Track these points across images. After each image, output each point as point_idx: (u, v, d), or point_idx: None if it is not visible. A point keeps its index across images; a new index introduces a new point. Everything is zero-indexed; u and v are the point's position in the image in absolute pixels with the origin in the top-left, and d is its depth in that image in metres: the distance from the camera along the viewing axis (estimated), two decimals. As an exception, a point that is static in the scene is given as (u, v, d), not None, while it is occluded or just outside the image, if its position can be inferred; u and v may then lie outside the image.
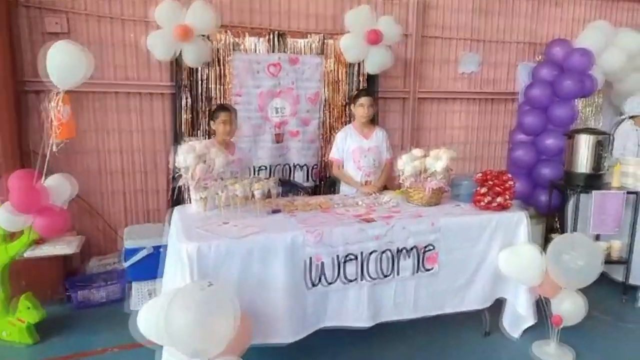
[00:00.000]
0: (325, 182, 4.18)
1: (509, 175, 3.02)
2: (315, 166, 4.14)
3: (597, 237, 3.88)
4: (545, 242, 3.76)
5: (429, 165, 3.02)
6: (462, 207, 3.06)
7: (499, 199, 2.95)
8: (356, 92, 3.55)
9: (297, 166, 4.12)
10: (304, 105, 4.08)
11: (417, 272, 2.67)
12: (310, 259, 2.38)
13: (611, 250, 3.69)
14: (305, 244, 2.36)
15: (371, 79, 4.30)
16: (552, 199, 4.22)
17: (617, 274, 3.81)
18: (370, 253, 2.53)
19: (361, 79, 4.24)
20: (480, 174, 3.06)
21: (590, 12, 5.38)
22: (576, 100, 5.32)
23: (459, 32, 4.88)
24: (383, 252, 2.56)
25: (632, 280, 3.69)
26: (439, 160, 3.01)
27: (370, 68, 4.13)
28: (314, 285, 2.41)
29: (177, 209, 2.78)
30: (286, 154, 4.09)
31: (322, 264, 2.41)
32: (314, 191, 4.18)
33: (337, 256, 2.44)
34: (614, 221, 3.58)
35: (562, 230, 3.94)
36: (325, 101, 4.18)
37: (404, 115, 4.80)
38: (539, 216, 4.71)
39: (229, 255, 2.20)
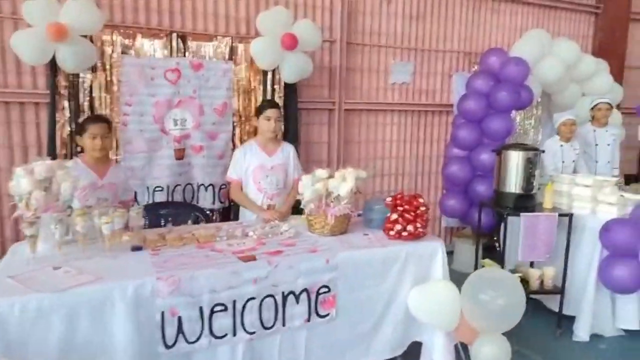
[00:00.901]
0: (235, 204, 3.69)
1: (421, 200, 2.63)
2: (223, 186, 3.65)
3: (532, 264, 3.56)
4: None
5: (333, 188, 2.59)
6: (371, 236, 2.64)
7: (409, 227, 2.55)
8: (261, 103, 3.09)
9: (202, 186, 3.61)
10: (209, 117, 3.60)
11: (310, 320, 2.22)
12: (163, 313, 1.89)
13: (544, 279, 3.37)
14: (155, 295, 1.87)
15: (289, 88, 3.86)
16: (484, 220, 3.92)
17: (552, 303, 3.50)
18: (247, 301, 2.06)
19: (277, 87, 3.80)
20: (390, 198, 2.66)
21: (527, 20, 5.17)
22: (514, 112, 5.09)
23: (389, 39, 4.54)
24: (264, 298, 2.10)
25: (568, 311, 3.38)
26: (343, 182, 2.59)
27: (286, 76, 3.70)
28: (170, 346, 1.92)
29: (12, 248, 2.24)
30: (189, 172, 3.59)
31: (180, 318, 1.92)
32: (223, 215, 3.70)
33: (201, 308, 1.96)
34: (545, 246, 3.26)
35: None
36: (235, 112, 3.72)
37: (330, 128, 4.40)
38: (475, 236, 4.39)
39: (42, 317, 1.67)
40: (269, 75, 3.75)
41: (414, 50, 4.67)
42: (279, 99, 3.77)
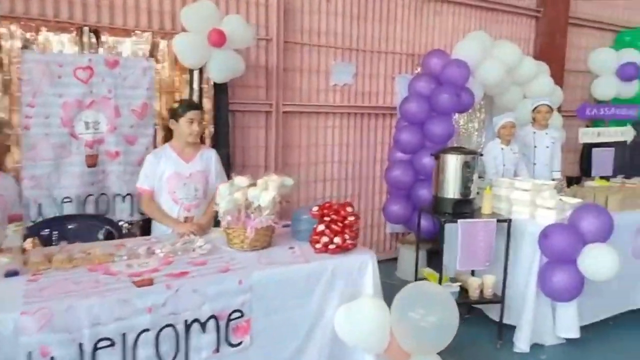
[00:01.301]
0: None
1: (350, 209, 2.43)
2: (144, 195, 3.32)
3: (473, 272, 3.45)
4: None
5: (253, 197, 2.35)
6: (297, 250, 2.41)
7: (337, 239, 2.34)
8: (180, 105, 2.78)
9: (119, 196, 3.28)
10: (126, 119, 3.27)
11: (219, 350, 1.96)
12: (31, 354, 1.58)
13: (484, 288, 3.25)
14: (20, 332, 1.56)
15: (219, 88, 3.59)
16: (426, 226, 3.79)
17: (494, 313, 3.39)
18: (141, 333, 1.78)
19: (206, 87, 3.52)
20: (317, 207, 2.44)
21: (470, 23, 5.12)
22: (457, 115, 5.02)
23: (329, 39, 4.35)
24: (162, 329, 1.82)
25: (509, 320, 3.26)
26: (265, 192, 2.35)
27: (215, 75, 3.42)
28: (40, 390, 1.61)
29: None
30: (102, 180, 3.24)
31: (52, 359, 1.62)
32: (144, 228, 3.37)
33: (81, 345, 1.66)
34: (484, 254, 3.14)
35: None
36: (157, 114, 3.41)
37: (268, 132, 4.15)
38: (420, 242, 4.25)
39: None
40: (196, 75, 3.47)
41: (356, 51, 4.50)
42: (207, 100, 3.50)
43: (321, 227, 2.38)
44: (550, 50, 5.37)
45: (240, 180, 2.42)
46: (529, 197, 3.29)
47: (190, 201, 2.71)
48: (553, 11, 5.36)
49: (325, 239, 2.35)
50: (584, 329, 3.27)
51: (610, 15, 6.16)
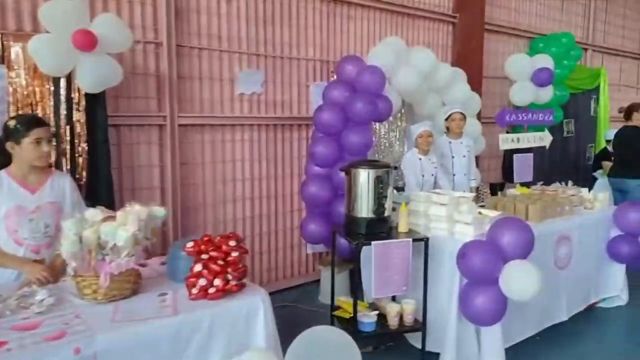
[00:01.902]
0: None
1: (234, 243, 2.01)
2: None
3: (394, 297, 3.13)
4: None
5: (107, 235, 1.87)
6: (169, 297, 1.96)
7: (217, 282, 1.91)
8: (20, 121, 2.18)
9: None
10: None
11: None
12: None
13: (403, 314, 2.94)
14: None
15: (94, 99, 3.06)
16: (344, 246, 3.45)
17: (417, 340, 3.08)
18: None
19: (75, 97, 2.98)
20: (192, 243, 2.00)
21: (385, 28, 4.91)
22: (378, 124, 4.77)
23: (232, 44, 3.93)
24: None
25: (432, 347, 2.98)
26: (121, 228, 1.88)
27: (85, 84, 2.89)
28: None
29: None
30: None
31: None
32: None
33: None
34: (401, 278, 2.83)
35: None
36: (14, 133, 2.82)
37: (162, 148, 3.64)
38: (342, 262, 3.92)
39: None
40: (62, 83, 2.92)
41: (264, 57, 4.11)
42: (78, 113, 2.96)
43: (198, 267, 1.95)
44: (468, 57, 5.28)
45: (93, 213, 1.94)
46: (445, 212, 3.04)
47: (39, 241, 2.17)
48: (468, 17, 5.29)
49: (202, 282, 1.92)
50: (511, 349, 3.06)
51: (524, 23, 6.24)
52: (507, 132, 5.55)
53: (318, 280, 4.36)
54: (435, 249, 3.01)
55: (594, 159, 6.41)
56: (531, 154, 5.10)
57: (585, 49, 7.03)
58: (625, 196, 5.01)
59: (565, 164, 6.67)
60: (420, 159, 4.02)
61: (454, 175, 4.27)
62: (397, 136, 5.00)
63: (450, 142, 4.25)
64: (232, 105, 3.99)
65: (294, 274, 4.56)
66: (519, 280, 2.65)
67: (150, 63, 3.51)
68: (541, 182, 4.40)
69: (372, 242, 2.75)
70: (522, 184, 4.93)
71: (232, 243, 2.01)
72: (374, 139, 4.79)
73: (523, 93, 4.94)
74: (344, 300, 3.12)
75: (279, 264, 4.45)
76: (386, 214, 2.96)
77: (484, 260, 2.68)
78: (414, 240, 2.87)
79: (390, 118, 4.85)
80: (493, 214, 3.09)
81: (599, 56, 7.41)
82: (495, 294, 2.73)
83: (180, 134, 3.67)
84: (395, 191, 4.52)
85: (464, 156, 4.26)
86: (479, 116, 5.15)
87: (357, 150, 3.90)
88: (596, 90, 6.92)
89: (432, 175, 4.07)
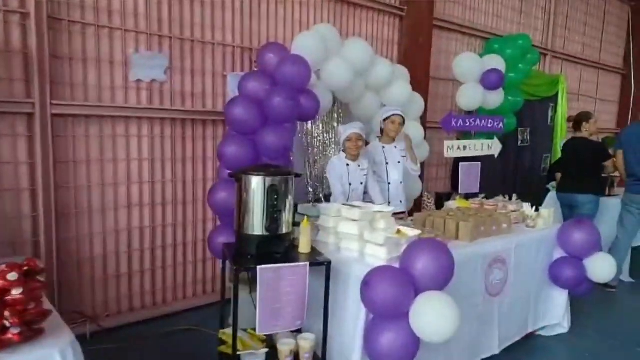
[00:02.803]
0: None
1: (14, 277, 1.43)
2: None
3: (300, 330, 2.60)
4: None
5: None
6: None
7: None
8: None
9: None
10: None
11: None
12: None
13: (299, 351, 2.41)
14: None
15: None
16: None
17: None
18: None
19: None
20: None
21: (321, 15, 4.39)
22: (311, 124, 4.25)
23: (127, 20, 3.33)
24: None
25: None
26: None
27: None
28: None
29: None
30: None
31: None
32: None
33: None
34: (295, 310, 2.30)
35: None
36: None
37: (31, 143, 3.02)
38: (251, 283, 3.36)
39: None
40: None
41: (169, 39, 3.53)
42: None
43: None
44: (416, 55, 4.82)
45: None
46: (357, 230, 2.53)
47: None
48: (417, 10, 4.82)
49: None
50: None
51: (480, 22, 5.84)
52: (458, 139, 5.14)
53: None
54: (343, 275, 2.51)
55: (548, 170, 6.06)
56: (479, 164, 4.67)
57: (545, 54, 6.70)
58: (574, 212, 4.65)
59: (519, 174, 6.31)
60: (347, 164, 3.52)
61: (388, 184, 3.78)
62: (333, 139, 4.48)
63: (383, 147, 3.76)
64: (127, 94, 3.39)
65: (206, 291, 3.99)
66: (429, 317, 2.16)
67: (13, 37, 2.88)
68: (483, 195, 3.96)
69: (258, 267, 2.21)
70: (468, 196, 4.50)
71: (11, 277, 1.43)
72: (305, 140, 4.29)
73: (470, 96, 4.51)
74: (227, 334, 2.57)
75: (187, 280, 3.86)
76: (284, 230, 2.43)
77: (390, 290, 2.17)
78: (313, 264, 2.34)
79: (325, 118, 4.36)
80: (413, 232, 2.59)
81: (558, 63, 7.09)
82: (405, 331, 2.23)
83: (56, 125, 3.06)
84: (321, 201, 4.04)
85: (399, 162, 3.78)
86: (424, 120, 4.70)
87: (274, 153, 3.36)
88: (554, 98, 6.60)
89: (362, 183, 3.57)
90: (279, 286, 2.25)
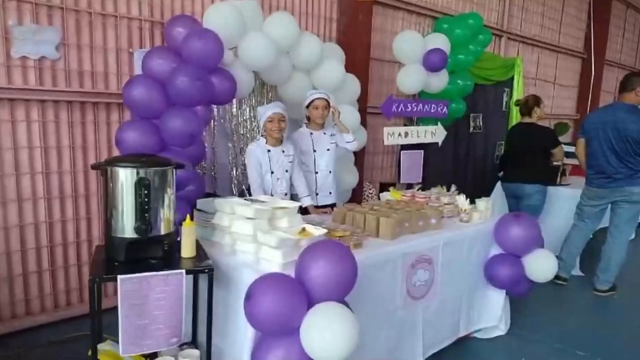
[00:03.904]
0: None
1: None
2: None
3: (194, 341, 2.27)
4: None
5: None
6: None
7: None
8: None
9: None
10: None
11: None
12: None
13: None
14: None
15: None
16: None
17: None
18: None
19: None
20: None
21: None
22: (234, 107, 3.88)
23: (6, -15, 2.88)
24: None
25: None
26: None
27: None
28: None
29: None
30: None
31: None
32: None
33: None
34: (168, 326, 1.96)
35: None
36: None
37: None
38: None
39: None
40: None
41: (61, 10, 3.09)
42: None
43: None
44: (356, 33, 4.47)
45: None
46: (252, 230, 2.20)
47: None
48: (355, -15, 4.46)
49: None
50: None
51: (429, 0, 5.51)
52: (405, 125, 4.86)
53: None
54: (234, 281, 2.19)
55: (500, 158, 5.85)
56: (420, 151, 4.40)
57: (500, 36, 6.44)
58: (520, 203, 4.43)
59: (471, 163, 6.07)
60: (268, 150, 3.18)
61: (316, 173, 3.46)
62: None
63: (311, 134, 3.44)
64: (9, 73, 2.95)
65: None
66: (319, 334, 1.86)
67: None
68: (419, 186, 3.68)
69: (119, 277, 1.86)
70: (410, 186, 4.25)
71: None
72: (228, 126, 3.92)
73: (411, 78, 4.20)
74: (109, 350, 2.23)
75: (83, 283, 3.45)
76: (162, 232, 2.08)
77: (275, 304, 1.86)
78: (191, 271, 2.01)
79: (252, 102, 3.99)
80: (318, 232, 2.28)
81: (514, 45, 6.84)
82: (296, 350, 1.93)
83: None
84: (245, 195, 3.71)
85: (328, 149, 3.46)
86: (364, 105, 4.38)
87: (178, 139, 2.99)
88: (509, 82, 6.35)
89: (287, 171, 3.25)
90: (147, 299, 1.91)
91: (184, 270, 1.97)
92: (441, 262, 2.84)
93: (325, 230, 2.29)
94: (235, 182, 3.90)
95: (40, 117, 3.08)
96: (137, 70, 3.39)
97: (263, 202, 2.44)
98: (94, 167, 2.07)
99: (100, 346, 2.29)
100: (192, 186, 3.17)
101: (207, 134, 3.75)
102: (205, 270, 2.02)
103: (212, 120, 3.75)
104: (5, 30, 2.90)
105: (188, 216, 2.15)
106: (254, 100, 3.96)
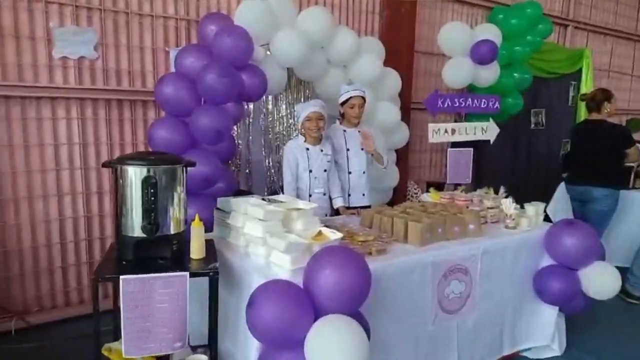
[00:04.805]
0: None
1: None
2: None
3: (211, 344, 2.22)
4: None
5: None
6: None
7: None
8: None
9: None
10: None
11: None
12: None
13: (185, 378, 2.03)
14: None
15: None
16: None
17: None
18: None
19: None
20: None
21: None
22: (269, 105, 3.81)
23: (45, -12, 2.99)
24: None
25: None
26: None
27: None
28: None
29: None
30: None
31: None
32: None
33: None
34: (172, 330, 1.90)
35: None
36: None
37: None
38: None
39: None
40: None
41: (99, 11, 3.16)
42: None
43: None
44: (398, 26, 4.24)
45: None
46: (262, 232, 2.09)
47: None
48: (400, -25, 4.23)
49: None
50: None
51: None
52: (456, 121, 4.57)
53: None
54: (245, 286, 2.09)
55: (564, 157, 5.34)
56: (470, 149, 4.09)
57: (565, 25, 5.88)
58: (586, 208, 3.98)
59: (531, 162, 5.60)
60: (307, 149, 3.07)
61: (349, 173, 3.30)
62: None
63: (344, 131, 3.28)
64: (51, 73, 3.06)
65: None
66: (326, 349, 1.71)
67: None
68: (462, 187, 3.40)
69: (121, 277, 1.83)
70: (457, 186, 3.97)
71: None
72: (263, 123, 3.85)
73: (457, 72, 3.91)
74: (115, 348, 2.21)
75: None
76: (171, 231, 2.03)
77: (278, 313, 1.74)
78: (194, 274, 1.94)
79: (289, 98, 3.90)
80: (335, 236, 2.13)
81: (582, 35, 6.22)
82: (299, 364, 1.79)
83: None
84: (278, 194, 3.62)
85: (362, 149, 3.29)
86: (407, 100, 4.15)
87: (206, 137, 2.96)
88: (577, 75, 5.79)
89: (325, 171, 3.12)
90: (149, 301, 1.86)
91: (187, 273, 1.90)
92: (480, 273, 2.57)
93: (340, 235, 2.14)
94: (270, 179, 3.83)
95: (79, 115, 3.18)
96: (173, 69, 3.40)
97: (281, 202, 2.33)
98: (104, 165, 2.06)
99: (114, 345, 2.30)
100: (222, 184, 3.14)
101: (242, 130, 3.71)
102: (209, 273, 1.94)
103: (247, 117, 3.71)
104: (48, 32, 3.00)
105: (197, 216, 2.08)
106: (290, 97, 3.86)
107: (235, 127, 3.62)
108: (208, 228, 2.52)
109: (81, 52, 3.11)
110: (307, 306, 1.79)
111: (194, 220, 2.08)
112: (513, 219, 2.86)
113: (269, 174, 3.84)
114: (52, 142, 3.12)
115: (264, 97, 3.70)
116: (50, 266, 3.21)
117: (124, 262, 1.98)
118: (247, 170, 3.78)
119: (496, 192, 3.30)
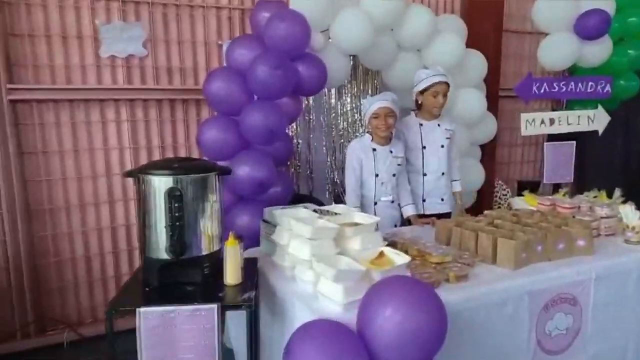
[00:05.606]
0: None
1: None
2: None
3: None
4: None
5: None
6: None
7: None
8: None
9: None
10: None
11: None
12: None
13: None
14: None
15: None
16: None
17: None
18: None
19: None
20: None
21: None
22: (333, 99, 3.43)
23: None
24: None
25: None
26: None
27: None
28: None
29: None
30: None
31: None
32: None
33: None
34: (198, 373, 1.58)
35: None
36: None
37: (-9, 132, 2.70)
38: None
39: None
40: None
41: (147, 5, 2.96)
42: None
43: None
44: (482, 2, 3.63)
45: None
46: (308, 254, 1.70)
47: None
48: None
49: None
50: None
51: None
52: (554, 110, 3.88)
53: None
54: (290, 319, 1.72)
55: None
56: (572, 143, 3.40)
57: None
58: None
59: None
60: (373, 149, 2.64)
61: (424, 175, 2.80)
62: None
63: (421, 125, 2.79)
64: (99, 73, 2.91)
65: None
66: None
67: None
68: (565, 190, 2.76)
69: (138, 310, 1.54)
70: (556, 187, 3.34)
71: None
72: (326, 120, 3.47)
73: (557, 50, 3.23)
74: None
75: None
76: (202, 251, 1.71)
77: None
78: (227, 307, 1.59)
79: (355, 91, 3.48)
80: (401, 260, 1.68)
81: None
82: None
83: (19, 112, 2.72)
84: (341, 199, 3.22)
85: (442, 146, 2.78)
86: (494, 87, 3.54)
87: (257, 136, 2.65)
88: None
89: (394, 175, 2.67)
90: (173, 337, 1.55)
91: (216, 305, 1.56)
92: (593, 303, 1.99)
93: (407, 259, 1.68)
94: (333, 182, 3.44)
95: (129, 117, 3.01)
96: (226, 63, 3.14)
97: (335, 214, 1.93)
98: (125, 175, 1.78)
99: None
100: (278, 188, 2.81)
101: (301, 128, 3.35)
102: (241, 306, 1.59)
103: (307, 113, 3.34)
104: (94, 30, 2.85)
105: (231, 234, 1.73)
106: (355, 89, 3.44)
107: (292, 125, 3.28)
108: (258, 242, 2.21)
109: (129, 49, 2.93)
110: (360, 356, 1.37)
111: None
112: (637, 232, 2.22)
113: (332, 176, 3.45)
114: (102, 147, 2.98)
115: (325, 90, 3.32)
116: (103, 275, 3.09)
117: (147, 289, 1.70)
118: (308, 172, 3.42)
119: (609, 195, 2.64)
